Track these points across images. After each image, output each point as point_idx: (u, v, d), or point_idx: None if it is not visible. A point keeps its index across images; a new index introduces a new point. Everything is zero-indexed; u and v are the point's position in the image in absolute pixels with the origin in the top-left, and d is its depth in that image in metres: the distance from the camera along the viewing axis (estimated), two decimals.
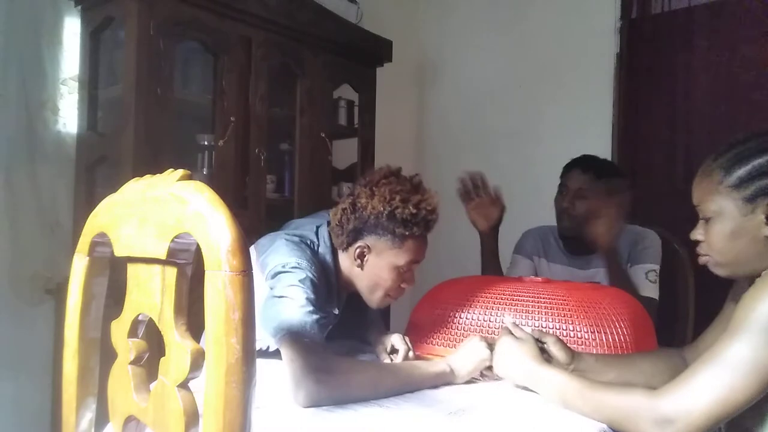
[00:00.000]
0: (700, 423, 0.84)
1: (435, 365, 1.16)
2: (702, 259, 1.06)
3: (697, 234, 1.04)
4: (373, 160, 2.50)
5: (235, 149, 1.95)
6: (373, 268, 1.26)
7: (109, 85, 1.89)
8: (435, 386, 1.15)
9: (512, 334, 1.13)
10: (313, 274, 1.16)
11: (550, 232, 1.95)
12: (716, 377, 0.85)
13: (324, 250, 1.29)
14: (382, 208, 1.21)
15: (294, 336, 1.03)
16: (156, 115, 1.73)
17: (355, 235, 1.25)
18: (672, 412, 0.85)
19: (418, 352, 1.36)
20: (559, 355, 1.10)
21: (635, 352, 1.22)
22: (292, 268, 1.16)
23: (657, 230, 1.90)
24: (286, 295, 1.11)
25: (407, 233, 1.22)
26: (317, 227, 1.32)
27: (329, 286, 1.28)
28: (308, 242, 1.27)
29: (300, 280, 1.13)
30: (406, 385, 1.11)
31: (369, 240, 1.24)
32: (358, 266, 1.27)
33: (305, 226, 1.33)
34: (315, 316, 1.09)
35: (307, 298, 1.11)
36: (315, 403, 0.99)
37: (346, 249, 1.28)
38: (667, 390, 0.88)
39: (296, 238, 1.24)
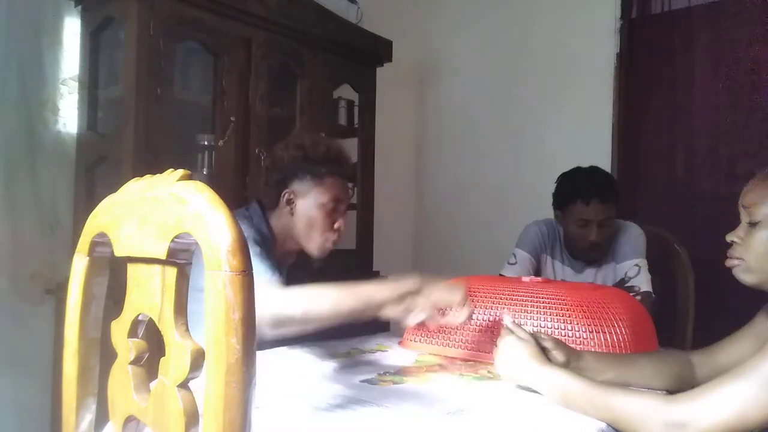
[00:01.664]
0: (711, 431, 0.83)
1: (397, 288, 1.11)
2: (731, 262, 1.03)
3: (735, 236, 1.02)
4: (373, 160, 2.50)
5: (235, 149, 1.95)
6: (302, 210, 1.40)
7: (109, 85, 1.89)
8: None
9: (514, 333, 1.12)
10: (249, 233, 1.26)
11: (555, 229, 1.95)
12: (741, 391, 0.83)
13: (258, 220, 1.42)
14: (297, 153, 1.39)
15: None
16: (156, 115, 1.74)
17: (281, 185, 1.40)
18: (685, 417, 0.85)
19: (418, 351, 1.36)
20: (557, 356, 1.09)
21: (636, 352, 1.21)
22: None
23: (657, 230, 1.90)
24: None
25: (324, 170, 1.39)
26: (247, 207, 1.47)
27: (268, 254, 1.35)
28: (244, 215, 1.39)
29: None
30: (366, 309, 1.08)
31: (293, 186, 1.40)
32: (290, 213, 1.41)
33: (237, 209, 1.46)
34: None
35: None
36: (280, 311, 1.03)
37: (276, 204, 1.40)
38: (684, 396, 0.88)
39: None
